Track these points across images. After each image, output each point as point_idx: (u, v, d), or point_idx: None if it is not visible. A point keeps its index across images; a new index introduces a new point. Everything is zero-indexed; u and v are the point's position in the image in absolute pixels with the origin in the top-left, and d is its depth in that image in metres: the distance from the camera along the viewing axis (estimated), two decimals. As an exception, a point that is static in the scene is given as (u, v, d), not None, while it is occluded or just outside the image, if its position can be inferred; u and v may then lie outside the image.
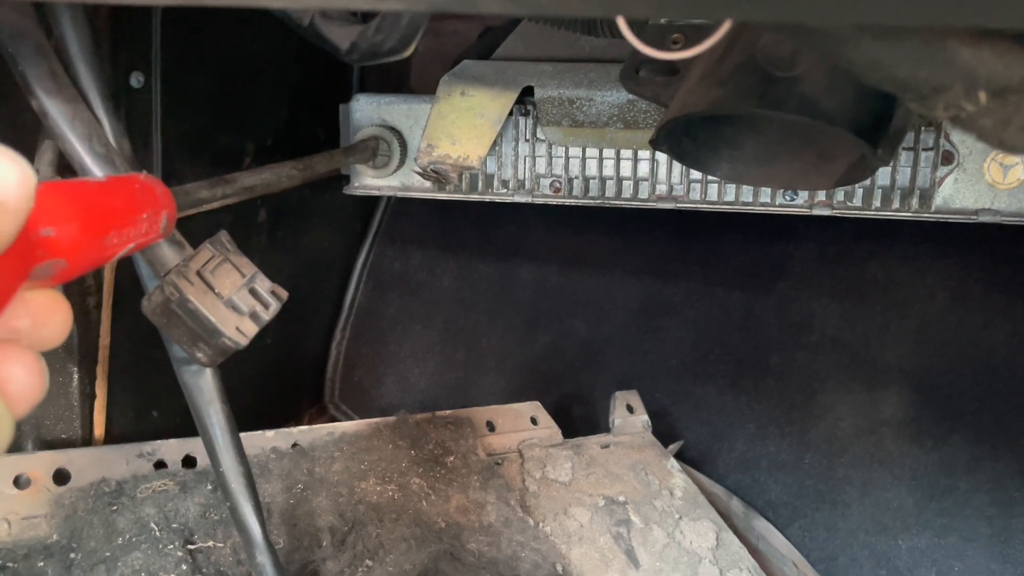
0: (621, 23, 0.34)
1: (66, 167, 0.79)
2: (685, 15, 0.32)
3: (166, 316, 0.59)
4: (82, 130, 0.62)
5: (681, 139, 0.76)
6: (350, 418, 1.43)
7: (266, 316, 0.61)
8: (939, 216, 0.92)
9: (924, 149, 0.91)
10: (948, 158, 0.90)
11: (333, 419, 1.44)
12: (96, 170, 0.62)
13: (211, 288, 0.59)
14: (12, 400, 0.29)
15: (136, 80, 0.91)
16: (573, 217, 1.37)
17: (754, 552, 1.14)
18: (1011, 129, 0.39)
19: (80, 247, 0.33)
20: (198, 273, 0.59)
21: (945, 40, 0.37)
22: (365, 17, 0.61)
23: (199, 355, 0.60)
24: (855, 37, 0.37)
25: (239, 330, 0.59)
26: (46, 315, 0.32)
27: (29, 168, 0.27)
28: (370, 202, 1.48)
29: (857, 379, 1.24)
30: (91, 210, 0.35)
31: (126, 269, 0.90)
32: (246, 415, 0.72)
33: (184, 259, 0.60)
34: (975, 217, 0.91)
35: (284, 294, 0.63)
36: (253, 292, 0.61)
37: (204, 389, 0.65)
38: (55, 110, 0.62)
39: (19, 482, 0.79)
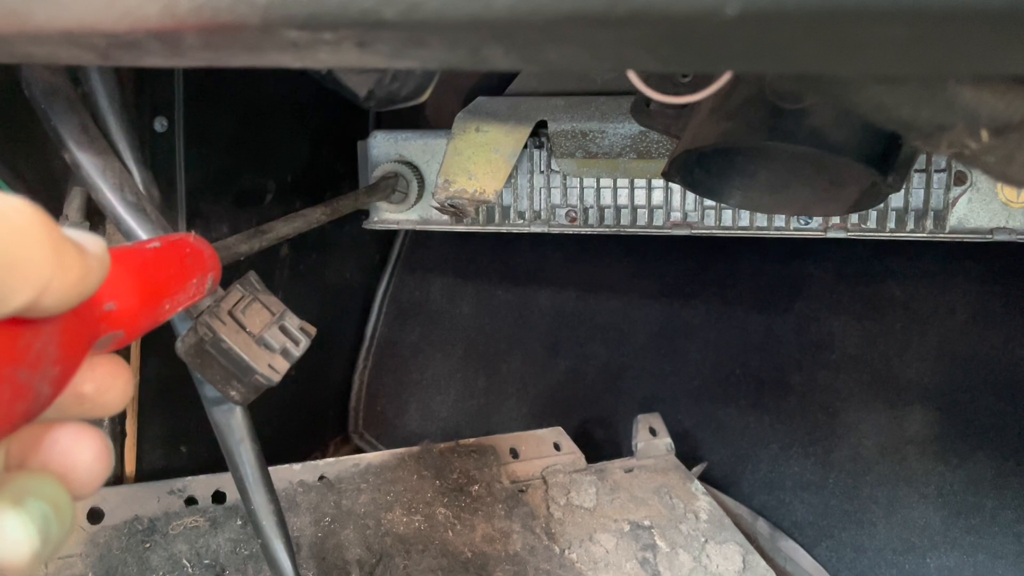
0: (631, 74, 0.36)
1: (94, 210, 0.82)
2: (689, 69, 0.33)
3: (200, 356, 0.61)
4: (113, 180, 0.64)
5: (693, 170, 0.77)
6: (374, 448, 1.44)
7: (296, 352, 0.63)
8: (954, 236, 0.92)
9: (936, 170, 0.92)
10: (961, 179, 0.91)
11: (358, 449, 1.45)
12: (128, 218, 0.64)
13: (243, 327, 0.61)
14: (76, 485, 0.29)
15: (160, 125, 0.93)
16: (590, 242, 1.38)
17: (781, 574, 1.14)
18: (1015, 165, 0.40)
19: (138, 318, 0.34)
20: (230, 313, 0.61)
21: (946, 82, 0.38)
22: (382, 64, 0.63)
23: (233, 393, 0.61)
24: (857, 82, 0.38)
25: (271, 367, 0.61)
26: (109, 380, 0.32)
27: (104, 244, 0.28)
28: (389, 233, 1.50)
29: (879, 397, 1.24)
30: (148, 282, 0.36)
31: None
32: (271, 447, 0.73)
33: (215, 300, 0.61)
34: (990, 236, 0.91)
35: (313, 330, 0.65)
36: (283, 329, 0.63)
37: (235, 428, 0.67)
38: (87, 162, 0.64)
39: (55, 522, 0.80)
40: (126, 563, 0.79)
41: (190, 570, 0.79)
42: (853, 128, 0.62)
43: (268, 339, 0.61)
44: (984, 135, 0.39)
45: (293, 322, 0.62)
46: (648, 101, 0.76)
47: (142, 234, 0.63)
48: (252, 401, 0.64)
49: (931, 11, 0.24)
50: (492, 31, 0.29)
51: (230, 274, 0.65)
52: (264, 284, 0.64)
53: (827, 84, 0.39)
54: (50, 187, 0.81)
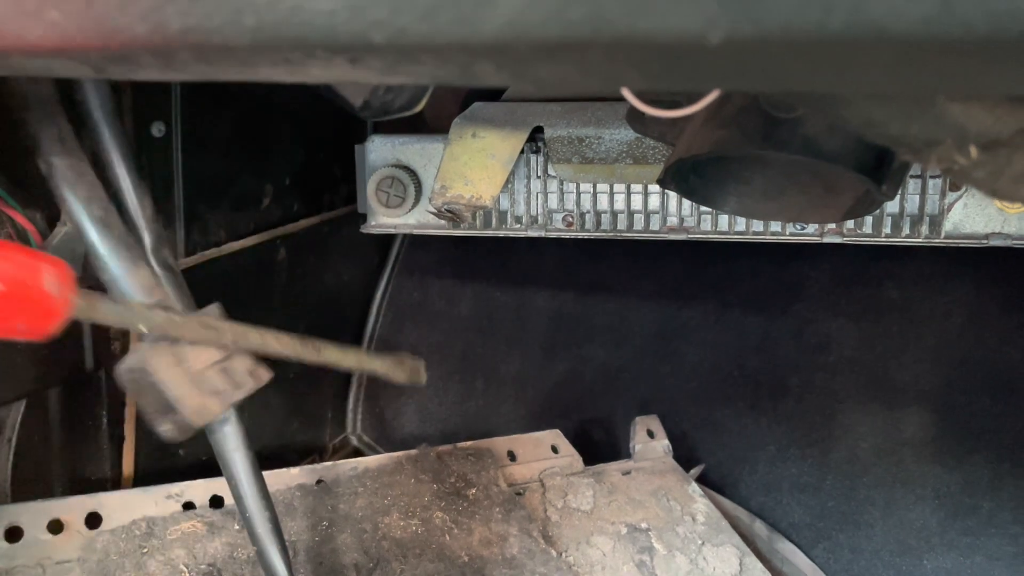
0: (624, 91, 0.36)
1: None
2: (676, 88, 0.33)
3: (134, 384, 0.57)
4: (84, 193, 0.62)
5: (688, 177, 0.77)
6: (373, 449, 1.44)
7: (235, 397, 0.59)
8: (950, 242, 0.93)
9: (932, 177, 0.92)
10: (956, 184, 0.91)
11: (356, 450, 1.45)
12: (92, 233, 0.60)
13: (182, 362, 0.57)
14: None
15: (157, 130, 0.93)
16: (587, 245, 1.38)
17: (778, 575, 1.14)
18: (1003, 180, 0.40)
19: None
20: (175, 344, 0.57)
21: (935, 98, 0.38)
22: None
23: (165, 427, 0.58)
24: (847, 98, 0.39)
25: (201, 409, 0.57)
26: None
27: None
28: (387, 236, 1.50)
29: (876, 399, 1.24)
30: None
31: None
32: (271, 448, 0.73)
33: (167, 327, 0.57)
34: (986, 241, 0.91)
35: (266, 376, 0.61)
36: (226, 371, 0.59)
37: (229, 436, 0.67)
38: (60, 172, 0.63)
39: (53, 527, 0.80)
40: (124, 568, 0.79)
41: (187, 575, 0.80)
42: (847, 137, 0.62)
43: (206, 379, 0.57)
44: (973, 151, 0.39)
45: (243, 364, 0.59)
46: (643, 108, 0.76)
47: (101, 248, 0.61)
48: (250, 400, 0.63)
49: (913, 38, 0.24)
50: (482, 52, 0.29)
51: (224, 278, 0.65)
52: (226, 317, 0.61)
53: (816, 100, 0.40)
54: (50, 194, 0.81)
